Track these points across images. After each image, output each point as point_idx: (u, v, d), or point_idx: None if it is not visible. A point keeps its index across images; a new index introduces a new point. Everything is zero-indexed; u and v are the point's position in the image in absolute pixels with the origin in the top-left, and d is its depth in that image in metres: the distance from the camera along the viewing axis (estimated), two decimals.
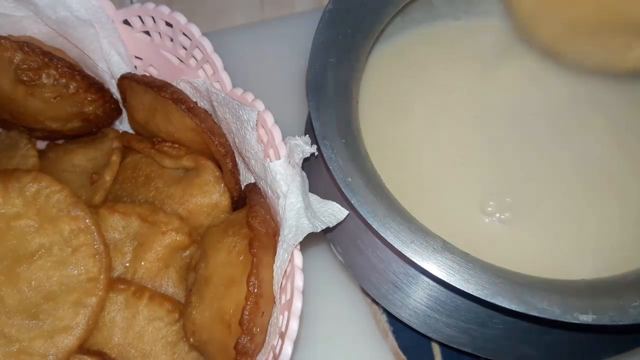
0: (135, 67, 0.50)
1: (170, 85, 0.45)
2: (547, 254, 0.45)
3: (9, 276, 0.39)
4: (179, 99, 0.43)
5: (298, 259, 0.38)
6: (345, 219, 0.40)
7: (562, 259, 0.45)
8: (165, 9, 0.45)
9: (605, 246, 0.45)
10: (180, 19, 0.44)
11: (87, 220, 0.40)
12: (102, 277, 0.40)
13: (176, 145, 0.46)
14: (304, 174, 0.40)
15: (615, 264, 0.41)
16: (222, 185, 0.45)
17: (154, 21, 0.46)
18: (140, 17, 0.47)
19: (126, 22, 0.48)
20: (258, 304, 0.36)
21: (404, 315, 0.42)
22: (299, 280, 0.37)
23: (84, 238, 0.40)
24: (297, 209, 0.38)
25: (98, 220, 0.42)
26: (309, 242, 0.41)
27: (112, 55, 0.48)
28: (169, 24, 0.45)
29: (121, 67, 0.48)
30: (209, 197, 0.45)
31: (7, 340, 0.38)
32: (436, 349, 0.47)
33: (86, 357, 0.39)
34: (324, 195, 0.41)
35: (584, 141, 0.50)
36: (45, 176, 0.40)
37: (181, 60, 0.47)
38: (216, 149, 0.43)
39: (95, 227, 0.40)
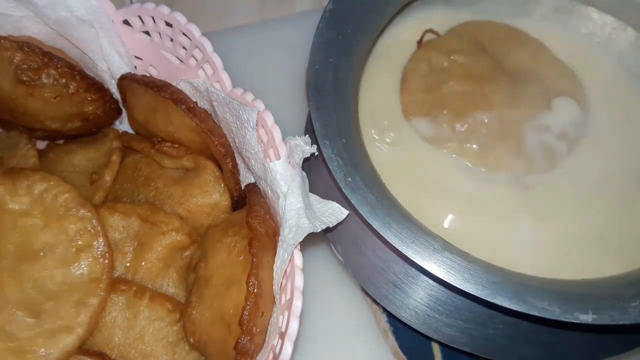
0: (135, 67, 0.50)
1: (170, 85, 0.45)
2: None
3: (13, 273, 0.39)
4: (179, 99, 0.43)
5: (298, 259, 0.38)
6: (345, 218, 0.40)
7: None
8: (165, 9, 0.45)
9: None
10: (180, 19, 0.44)
11: (94, 221, 0.40)
12: (104, 277, 0.40)
13: (176, 145, 0.46)
14: (304, 174, 0.40)
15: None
16: (222, 185, 0.45)
17: (154, 21, 0.46)
18: (140, 17, 0.47)
19: (126, 22, 0.48)
20: (258, 304, 0.36)
21: (404, 315, 0.42)
22: (299, 280, 0.37)
23: (89, 238, 0.40)
24: (297, 209, 0.38)
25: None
26: (309, 242, 0.41)
27: (112, 55, 0.48)
28: (169, 24, 0.45)
29: (121, 67, 0.48)
30: (209, 197, 0.45)
31: (8, 338, 0.38)
32: (436, 349, 0.47)
33: (86, 357, 0.39)
34: (324, 195, 0.41)
35: None
36: (53, 176, 0.40)
37: (181, 60, 0.47)
38: (216, 149, 0.43)
39: (101, 228, 0.40)
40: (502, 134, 0.48)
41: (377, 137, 0.48)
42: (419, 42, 0.52)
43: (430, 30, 0.53)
